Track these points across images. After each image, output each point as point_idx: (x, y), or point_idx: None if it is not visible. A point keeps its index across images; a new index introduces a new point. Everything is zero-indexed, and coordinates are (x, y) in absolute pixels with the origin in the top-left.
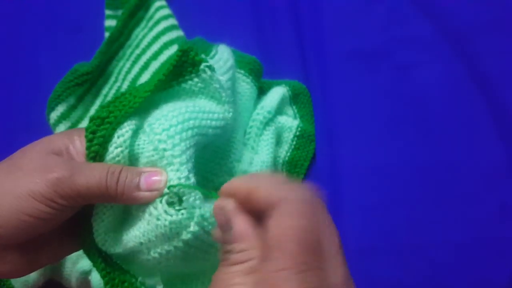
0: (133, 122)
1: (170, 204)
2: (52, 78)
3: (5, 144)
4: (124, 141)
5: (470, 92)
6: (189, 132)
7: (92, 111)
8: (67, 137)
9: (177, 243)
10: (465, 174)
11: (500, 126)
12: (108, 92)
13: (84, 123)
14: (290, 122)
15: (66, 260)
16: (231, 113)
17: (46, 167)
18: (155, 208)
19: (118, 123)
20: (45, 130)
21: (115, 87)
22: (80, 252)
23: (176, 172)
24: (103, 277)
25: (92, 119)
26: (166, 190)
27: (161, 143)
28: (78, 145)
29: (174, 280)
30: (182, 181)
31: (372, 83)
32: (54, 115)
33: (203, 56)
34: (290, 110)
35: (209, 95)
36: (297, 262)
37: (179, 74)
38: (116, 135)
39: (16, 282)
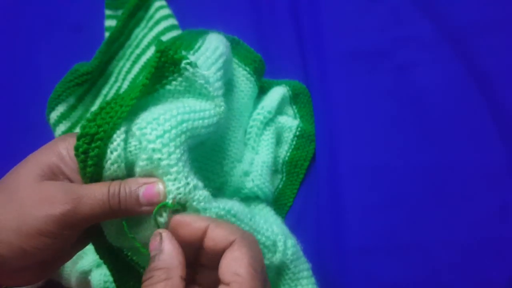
0: (122, 129)
1: (174, 211)
2: (52, 78)
3: (5, 144)
4: (119, 156)
5: (470, 92)
6: (183, 137)
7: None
8: (55, 156)
9: None
10: (465, 174)
11: (500, 126)
12: (108, 92)
13: None
14: (290, 122)
15: None
16: (222, 107)
17: (47, 201)
18: (161, 216)
19: (108, 137)
20: (45, 130)
21: (115, 87)
22: (80, 252)
23: (174, 181)
24: (112, 275)
25: (80, 137)
26: (168, 202)
27: (155, 152)
28: (70, 163)
29: None
30: (181, 190)
31: (372, 83)
32: (54, 115)
33: (183, 53)
34: (290, 110)
35: (196, 92)
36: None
37: (161, 75)
38: (109, 151)
39: None
